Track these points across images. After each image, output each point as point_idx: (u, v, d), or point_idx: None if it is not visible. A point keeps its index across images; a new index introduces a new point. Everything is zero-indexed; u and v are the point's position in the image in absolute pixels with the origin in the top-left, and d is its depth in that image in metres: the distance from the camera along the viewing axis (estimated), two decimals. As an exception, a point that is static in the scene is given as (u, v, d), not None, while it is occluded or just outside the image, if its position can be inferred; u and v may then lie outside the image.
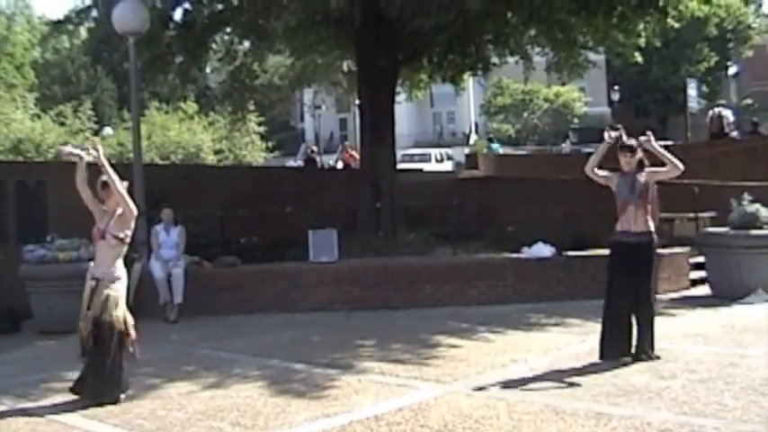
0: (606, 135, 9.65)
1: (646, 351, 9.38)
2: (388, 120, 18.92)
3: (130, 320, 8.72)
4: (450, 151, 48.47)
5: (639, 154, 9.57)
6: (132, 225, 8.74)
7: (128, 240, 8.70)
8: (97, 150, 8.56)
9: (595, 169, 9.62)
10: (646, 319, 9.45)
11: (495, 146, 41.17)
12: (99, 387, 8.44)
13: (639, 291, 9.40)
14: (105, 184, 8.68)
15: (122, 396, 8.54)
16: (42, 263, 13.54)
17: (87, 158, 8.65)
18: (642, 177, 9.49)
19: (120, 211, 8.64)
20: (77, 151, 8.72)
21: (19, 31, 59.64)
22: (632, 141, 9.61)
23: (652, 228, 9.46)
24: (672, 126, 59.13)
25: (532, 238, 15.07)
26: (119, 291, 8.63)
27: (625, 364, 9.18)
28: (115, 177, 8.59)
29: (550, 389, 8.38)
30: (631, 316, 9.46)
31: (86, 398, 8.43)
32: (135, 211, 8.70)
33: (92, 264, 8.84)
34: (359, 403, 8.11)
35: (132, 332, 8.69)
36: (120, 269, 8.69)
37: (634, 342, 9.44)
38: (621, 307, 9.45)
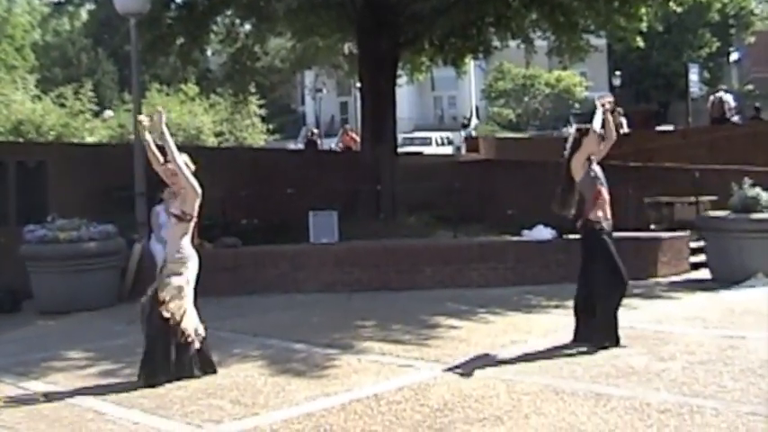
0: (599, 103, 9.52)
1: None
2: (388, 103, 18.90)
3: (183, 307, 8.46)
4: (450, 135, 48.41)
5: None
6: (194, 204, 8.48)
7: (188, 218, 8.46)
8: (161, 127, 8.45)
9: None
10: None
11: (470, 130, 40.73)
12: (147, 366, 8.41)
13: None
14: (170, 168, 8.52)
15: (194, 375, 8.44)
16: (43, 243, 13.54)
17: (150, 138, 8.57)
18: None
19: (182, 189, 8.50)
20: (147, 136, 8.59)
21: (19, 13, 59.34)
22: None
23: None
24: (673, 111, 59.04)
25: (532, 221, 15.07)
26: (178, 273, 8.43)
27: (625, 346, 9.19)
28: (177, 156, 8.41)
29: (550, 369, 8.39)
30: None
31: (141, 378, 8.36)
32: (198, 190, 8.45)
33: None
34: (359, 383, 8.13)
35: (179, 319, 8.40)
36: (184, 249, 8.49)
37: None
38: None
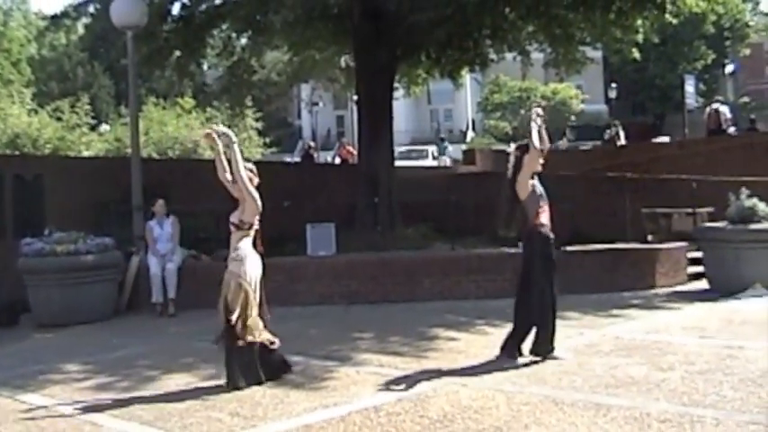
0: (534, 114, 9.39)
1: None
2: (385, 115, 18.89)
3: (245, 308, 8.53)
4: (451, 147, 48.32)
5: None
6: (254, 214, 8.64)
7: (245, 227, 8.61)
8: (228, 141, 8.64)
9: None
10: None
11: (445, 145, 40.55)
12: (227, 370, 8.52)
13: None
14: (234, 179, 8.70)
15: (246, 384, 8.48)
16: (40, 256, 13.51)
17: (221, 148, 8.72)
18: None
19: (244, 200, 8.65)
20: (219, 145, 8.72)
21: (15, 27, 59.53)
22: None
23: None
24: (669, 123, 59.23)
25: (530, 233, 15.04)
26: (237, 273, 8.54)
27: (624, 357, 9.18)
28: (241, 168, 8.58)
29: (549, 380, 8.38)
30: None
31: (228, 384, 8.47)
32: (258, 202, 8.63)
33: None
34: (358, 394, 8.11)
35: (233, 320, 8.49)
36: (241, 248, 8.59)
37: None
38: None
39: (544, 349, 9.21)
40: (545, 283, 9.27)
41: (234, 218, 8.67)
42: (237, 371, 8.46)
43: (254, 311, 8.60)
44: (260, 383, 8.47)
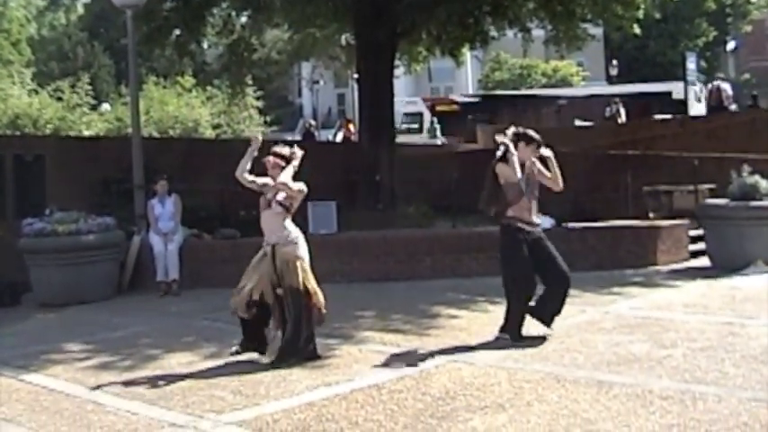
0: (499, 139, 9.34)
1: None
2: (386, 93, 18.86)
3: (313, 283, 8.82)
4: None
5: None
6: (297, 202, 8.89)
7: (292, 210, 8.85)
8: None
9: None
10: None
11: (435, 126, 40.30)
12: (289, 347, 8.62)
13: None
14: (276, 165, 8.83)
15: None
16: (41, 236, 13.50)
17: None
18: (533, 173, 9.34)
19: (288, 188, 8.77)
20: (253, 148, 8.91)
21: (15, 7, 59.27)
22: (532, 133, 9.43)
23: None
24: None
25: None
26: (297, 253, 8.72)
27: (625, 334, 9.18)
28: (290, 181, 8.78)
29: (551, 357, 8.39)
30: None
31: (278, 359, 8.56)
32: (304, 190, 8.92)
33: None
34: (360, 372, 8.13)
35: (316, 295, 8.79)
36: (293, 231, 8.80)
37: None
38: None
39: (510, 332, 9.19)
40: (511, 272, 9.20)
41: (283, 199, 8.76)
42: (306, 342, 8.72)
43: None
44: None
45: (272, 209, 8.78)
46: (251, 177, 8.94)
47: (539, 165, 9.35)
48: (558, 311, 9.27)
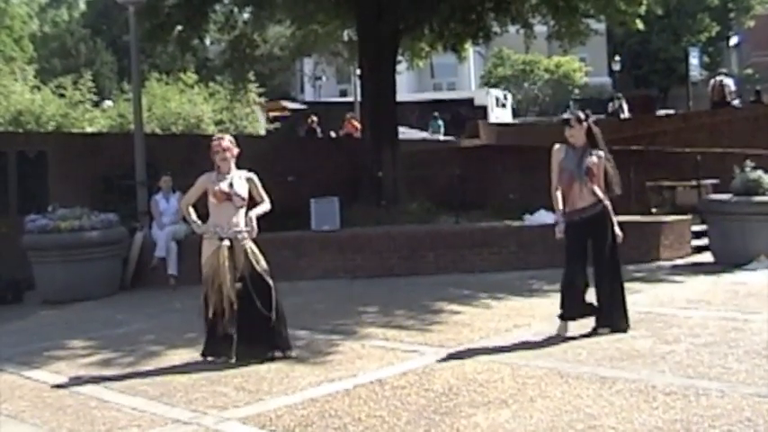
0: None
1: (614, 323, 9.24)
2: (389, 89, 18.85)
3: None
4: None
5: (585, 125, 9.16)
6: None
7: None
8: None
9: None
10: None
11: (438, 123, 40.20)
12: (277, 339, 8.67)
13: (603, 261, 9.26)
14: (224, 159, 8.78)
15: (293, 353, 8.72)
16: (44, 232, 13.52)
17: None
18: (593, 157, 9.10)
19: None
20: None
21: (17, 4, 59.26)
22: (579, 113, 9.41)
23: (601, 196, 9.07)
24: (673, 96, 59.07)
25: (534, 206, 15.04)
26: (254, 250, 8.67)
27: (626, 330, 9.16)
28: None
29: (554, 353, 8.38)
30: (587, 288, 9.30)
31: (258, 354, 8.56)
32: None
33: (217, 228, 8.62)
34: (363, 368, 8.12)
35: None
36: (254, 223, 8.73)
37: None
38: (580, 281, 9.31)
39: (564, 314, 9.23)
40: (570, 264, 9.36)
41: (242, 191, 8.66)
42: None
43: None
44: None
45: (232, 201, 8.59)
46: (191, 210, 8.90)
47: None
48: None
